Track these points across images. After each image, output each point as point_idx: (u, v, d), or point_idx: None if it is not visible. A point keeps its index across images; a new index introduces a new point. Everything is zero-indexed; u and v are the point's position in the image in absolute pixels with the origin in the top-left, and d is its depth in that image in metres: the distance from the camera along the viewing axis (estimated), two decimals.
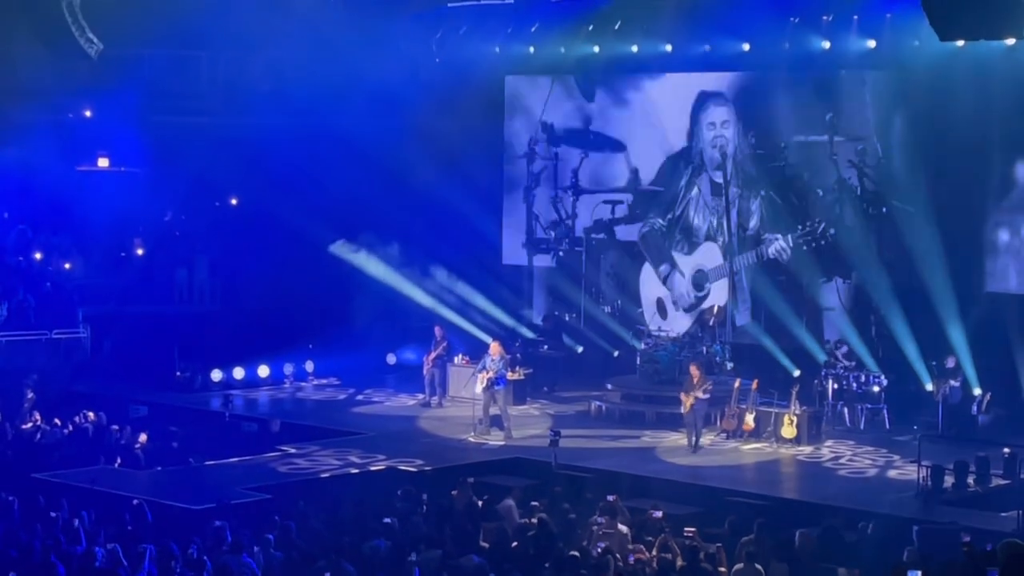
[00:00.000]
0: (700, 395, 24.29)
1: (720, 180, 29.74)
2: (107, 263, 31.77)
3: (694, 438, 24.39)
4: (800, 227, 28.49)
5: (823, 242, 28.14)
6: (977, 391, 25.43)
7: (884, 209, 27.74)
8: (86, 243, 31.77)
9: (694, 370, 24.79)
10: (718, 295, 29.57)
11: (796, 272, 28.78)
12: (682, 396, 24.59)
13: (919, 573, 14.67)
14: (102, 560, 15.69)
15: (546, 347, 30.58)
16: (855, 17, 27.25)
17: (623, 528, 18.13)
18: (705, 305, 29.82)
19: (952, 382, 25.09)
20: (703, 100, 30.02)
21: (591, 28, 30.15)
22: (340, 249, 30.65)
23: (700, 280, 30.21)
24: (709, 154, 30.04)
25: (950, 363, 25.34)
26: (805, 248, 28.40)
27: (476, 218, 31.78)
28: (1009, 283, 26.72)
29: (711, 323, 28.40)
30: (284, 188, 30.19)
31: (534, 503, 19.25)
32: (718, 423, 25.47)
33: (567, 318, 31.59)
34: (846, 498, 21.06)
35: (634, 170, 31.21)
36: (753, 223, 29.56)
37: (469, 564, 16.18)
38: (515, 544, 17.28)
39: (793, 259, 28.71)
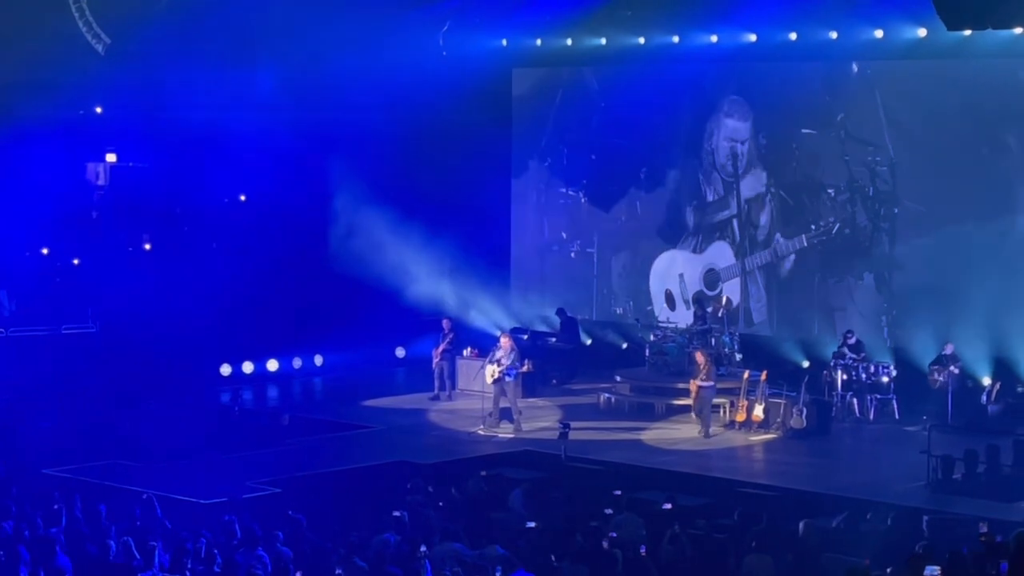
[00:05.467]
0: (701, 382, 24.43)
1: (731, 178, 29.70)
2: (115, 258, 31.77)
3: (702, 426, 24.55)
4: (814, 227, 28.49)
5: (838, 240, 28.17)
6: (987, 381, 25.45)
7: (896, 209, 27.75)
8: (94, 238, 31.76)
9: (699, 357, 25.00)
10: (730, 292, 29.49)
11: (808, 270, 28.77)
12: (691, 384, 24.93)
13: (937, 570, 14.56)
14: (115, 554, 15.72)
15: (555, 339, 30.56)
16: (862, 7, 27.15)
17: (632, 520, 18.12)
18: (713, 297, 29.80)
19: (952, 368, 25.10)
20: (717, 95, 29.85)
21: (597, 20, 30.02)
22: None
23: (712, 280, 30.15)
24: (721, 151, 29.92)
25: (948, 350, 25.36)
26: (820, 248, 28.42)
27: (485, 213, 31.81)
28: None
29: (720, 314, 28.32)
30: (292, 183, 30.18)
31: (543, 495, 19.25)
32: (727, 414, 25.48)
33: (578, 319, 31.51)
34: (856, 488, 21.07)
35: (643, 167, 31.07)
36: (764, 220, 29.50)
37: (493, 554, 16.20)
38: (524, 536, 17.29)
39: (806, 257, 28.71)
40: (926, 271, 27.13)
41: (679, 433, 25.04)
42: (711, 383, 24.77)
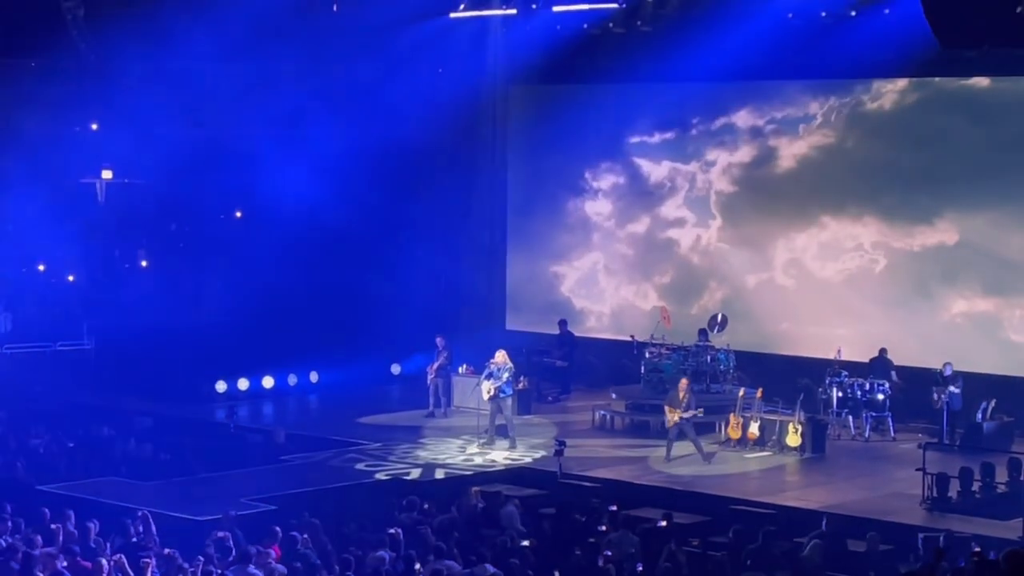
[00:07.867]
0: (684, 415, 23.93)
1: (730, 196, 29.78)
2: (111, 275, 31.81)
3: (694, 449, 24.27)
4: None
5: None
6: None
7: (892, 222, 27.86)
8: (90, 255, 31.80)
9: (683, 383, 24.32)
10: (726, 310, 29.44)
11: (806, 285, 28.86)
12: (667, 409, 24.23)
13: None
14: (109, 571, 15.70)
15: (550, 357, 30.52)
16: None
17: (627, 537, 18.12)
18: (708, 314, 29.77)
19: (952, 388, 25.07)
20: (716, 114, 29.91)
21: (595, 36, 30.02)
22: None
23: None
24: (719, 169, 29.96)
25: (948, 370, 25.35)
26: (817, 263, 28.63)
27: (482, 229, 31.79)
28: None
29: (715, 331, 28.24)
30: (288, 199, 30.21)
31: (539, 512, 19.23)
32: (722, 432, 25.45)
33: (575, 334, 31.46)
34: (851, 506, 21.05)
35: (641, 184, 31.05)
36: (762, 234, 29.56)
37: (484, 573, 16.17)
38: (519, 553, 17.28)
39: (803, 272, 28.89)
40: (924, 284, 27.17)
41: (674, 451, 24.97)
42: (688, 416, 23.91)
